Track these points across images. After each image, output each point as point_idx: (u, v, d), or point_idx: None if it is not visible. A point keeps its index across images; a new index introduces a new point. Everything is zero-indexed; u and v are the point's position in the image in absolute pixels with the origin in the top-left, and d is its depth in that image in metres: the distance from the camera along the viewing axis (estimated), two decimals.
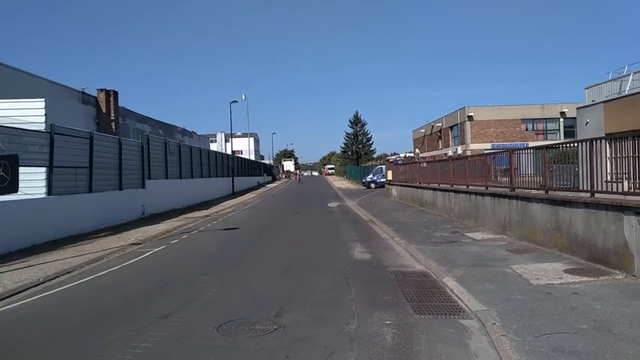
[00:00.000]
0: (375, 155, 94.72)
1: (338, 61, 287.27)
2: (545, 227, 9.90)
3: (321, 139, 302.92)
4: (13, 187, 11.67)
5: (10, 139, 12.00)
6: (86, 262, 10.51)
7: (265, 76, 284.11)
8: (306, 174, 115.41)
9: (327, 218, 19.67)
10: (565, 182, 10.06)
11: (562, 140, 39.22)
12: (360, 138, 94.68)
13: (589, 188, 8.46)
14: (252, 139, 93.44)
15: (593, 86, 23.65)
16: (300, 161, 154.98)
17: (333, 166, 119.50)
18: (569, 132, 44.52)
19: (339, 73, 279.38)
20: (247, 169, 54.71)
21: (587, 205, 8.39)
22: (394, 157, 56.09)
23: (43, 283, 8.70)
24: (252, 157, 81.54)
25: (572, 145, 10.01)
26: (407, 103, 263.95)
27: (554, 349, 4.67)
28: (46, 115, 13.72)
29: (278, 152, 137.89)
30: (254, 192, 43.45)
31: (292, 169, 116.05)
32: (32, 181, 12.99)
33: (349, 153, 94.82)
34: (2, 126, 11.81)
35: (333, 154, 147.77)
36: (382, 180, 38.51)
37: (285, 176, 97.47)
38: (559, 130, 48.75)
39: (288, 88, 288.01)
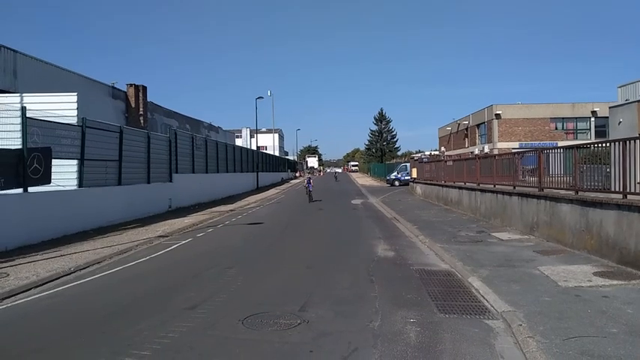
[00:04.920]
0: (399, 153, 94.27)
1: (363, 57, 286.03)
2: (575, 228, 9.68)
3: (345, 136, 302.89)
4: (47, 179, 12.08)
5: (44, 132, 12.40)
6: (115, 252, 10.78)
7: (291, 72, 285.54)
8: (329, 171, 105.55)
9: (351, 215, 19.66)
10: (596, 183, 9.80)
11: (593, 140, 38.23)
12: (384, 135, 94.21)
13: (621, 189, 8.23)
14: (276, 135, 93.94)
15: (627, 85, 22.95)
16: (324, 157, 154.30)
17: (356, 163, 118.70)
18: (601, 132, 43.30)
19: (365, 69, 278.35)
20: (271, 164, 55.09)
21: (619, 206, 8.18)
22: (419, 154, 55.60)
23: (74, 272, 8.97)
24: (277, 153, 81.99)
25: (604, 145, 9.75)
26: (433, 101, 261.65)
27: (582, 353, 4.58)
28: (77, 108, 14.13)
29: (302, 148, 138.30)
30: (278, 187, 43.73)
31: (316, 165, 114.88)
32: (64, 173, 13.40)
33: (373, 150, 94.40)
34: (36, 119, 12.18)
35: (357, 150, 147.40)
36: (406, 178, 38.29)
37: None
38: (590, 129, 47.48)
39: (313, 85, 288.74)
